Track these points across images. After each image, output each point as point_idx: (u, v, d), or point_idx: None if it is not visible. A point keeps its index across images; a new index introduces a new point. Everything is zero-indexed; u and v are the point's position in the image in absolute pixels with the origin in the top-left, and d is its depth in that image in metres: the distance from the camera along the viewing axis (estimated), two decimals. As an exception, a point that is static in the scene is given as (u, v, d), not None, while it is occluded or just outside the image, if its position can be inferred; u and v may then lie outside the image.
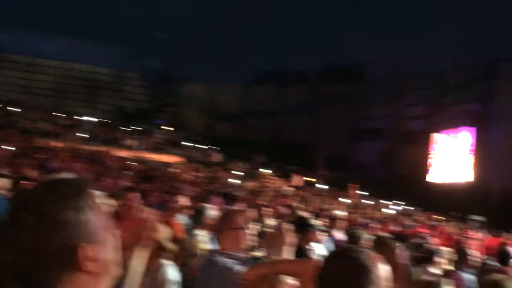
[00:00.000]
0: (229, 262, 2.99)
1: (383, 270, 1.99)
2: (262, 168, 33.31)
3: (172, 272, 3.56)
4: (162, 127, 43.67)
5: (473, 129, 32.48)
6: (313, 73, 50.43)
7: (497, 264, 6.29)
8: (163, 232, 3.68)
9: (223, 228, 3.22)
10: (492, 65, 31.74)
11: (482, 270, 5.44)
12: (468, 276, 5.67)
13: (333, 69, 48.83)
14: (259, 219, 8.60)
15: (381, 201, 25.68)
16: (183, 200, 7.59)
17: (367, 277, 1.93)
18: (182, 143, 37.02)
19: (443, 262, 6.65)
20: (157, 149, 31.85)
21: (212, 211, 5.40)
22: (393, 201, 25.95)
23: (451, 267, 6.43)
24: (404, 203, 26.61)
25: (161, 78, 51.46)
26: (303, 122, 46.85)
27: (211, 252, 3.36)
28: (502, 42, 33.08)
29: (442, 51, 39.78)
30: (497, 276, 2.58)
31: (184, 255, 4.32)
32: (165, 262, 3.60)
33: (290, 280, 2.67)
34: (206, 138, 40.92)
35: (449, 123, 34.26)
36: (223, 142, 39.92)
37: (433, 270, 5.92)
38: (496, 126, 29.69)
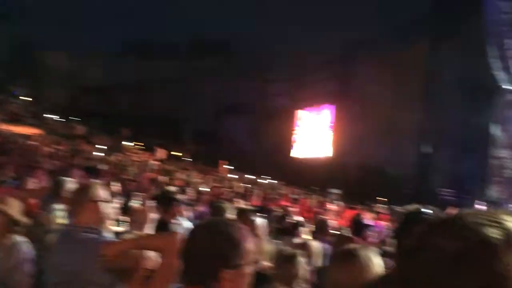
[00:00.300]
0: (87, 237, 2.85)
1: (251, 243, 1.99)
2: (128, 141, 32.60)
3: (26, 249, 3.36)
4: (20, 97, 41.06)
5: (333, 107, 34.02)
6: (182, 46, 49.95)
7: (351, 234, 6.65)
8: (16, 207, 3.45)
9: (82, 201, 3.04)
10: (351, 46, 33.30)
11: (337, 240, 5.71)
12: (325, 246, 5.94)
13: (202, 43, 48.67)
14: (123, 194, 8.41)
15: (246, 175, 26.18)
16: (44, 180, 7.22)
17: (236, 250, 1.92)
18: (42, 114, 35.15)
19: (304, 234, 6.93)
20: (14, 120, 29.93)
21: (71, 184, 5.15)
22: (259, 175, 26.56)
23: (311, 238, 6.71)
24: (269, 177, 27.35)
25: (19, 44, 48.18)
26: (171, 95, 46.37)
27: (68, 226, 3.18)
28: (361, 25, 34.78)
29: (305, 31, 41.03)
30: (351, 246, 2.70)
31: (39, 230, 4.10)
32: (19, 238, 3.39)
33: (153, 255, 2.61)
34: (69, 110, 39.18)
35: (312, 100, 35.54)
36: (86, 114, 38.46)
37: (295, 241, 6.14)
38: (354, 104, 31.29)
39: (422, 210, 2.45)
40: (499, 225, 1.05)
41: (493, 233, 1.03)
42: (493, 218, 1.07)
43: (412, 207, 2.50)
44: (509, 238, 1.03)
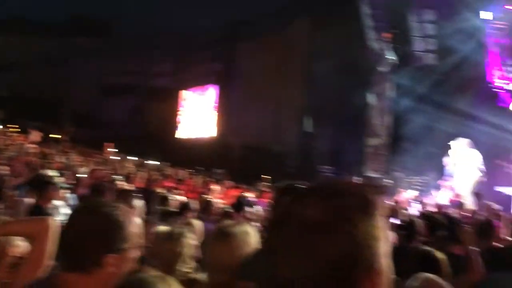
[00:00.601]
0: None
1: (135, 225, 1.93)
2: (0, 124, 30.81)
3: None
4: None
5: (217, 87, 34.15)
6: (61, 24, 47.66)
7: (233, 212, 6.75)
8: None
9: None
10: (234, 26, 33.48)
11: (221, 219, 5.77)
12: (209, 225, 5.98)
13: (81, 22, 46.77)
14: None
15: (131, 157, 25.69)
16: None
17: (120, 233, 1.86)
18: None
19: (190, 214, 6.95)
20: None
21: None
22: (143, 156, 26.17)
23: (195, 218, 6.72)
24: (154, 158, 27.03)
25: None
26: (49, 75, 44.24)
27: None
28: (244, 4, 35.02)
29: (188, 10, 40.70)
30: (228, 223, 2.73)
31: None
32: None
33: (21, 241, 2.48)
34: None
35: (196, 80, 35.44)
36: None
37: (180, 222, 6.13)
38: (237, 84, 31.58)
39: (296, 184, 2.52)
40: (358, 194, 1.09)
41: (344, 201, 1.07)
42: (329, 187, 1.10)
43: (287, 182, 2.56)
44: (365, 206, 1.07)
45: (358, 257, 1.03)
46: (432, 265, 3.52)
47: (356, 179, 14.55)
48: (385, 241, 1.08)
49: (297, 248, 1.04)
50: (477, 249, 4.75)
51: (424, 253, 3.73)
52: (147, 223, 5.22)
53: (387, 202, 10.71)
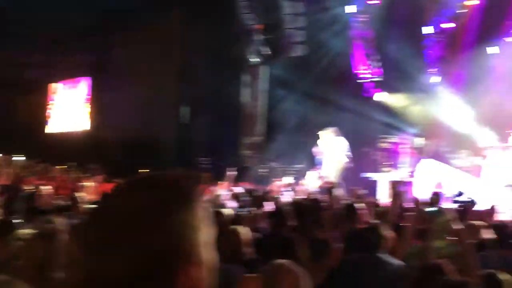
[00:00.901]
0: None
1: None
2: None
3: None
4: None
5: (89, 79, 33.05)
6: None
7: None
8: None
9: None
10: (108, 16, 32.45)
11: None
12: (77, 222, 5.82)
13: None
14: None
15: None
16: None
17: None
18: None
19: (61, 211, 6.68)
20: None
21: None
22: (10, 153, 24.80)
23: (65, 216, 6.49)
24: (22, 154, 25.74)
25: None
26: None
27: None
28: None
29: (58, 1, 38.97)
30: (85, 218, 2.69)
31: None
32: None
33: None
34: None
35: (67, 73, 34.08)
36: None
37: (50, 220, 5.88)
38: (112, 75, 30.67)
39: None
40: (174, 185, 1.11)
41: (160, 193, 1.07)
42: (145, 180, 1.11)
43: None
44: (183, 197, 1.09)
45: (175, 249, 1.02)
46: (290, 250, 3.68)
47: (232, 169, 14.75)
48: (205, 231, 1.07)
49: (111, 245, 1.01)
50: (337, 232, 5.02)
51: (284, 239, 3.88)
52: (11, 223, 4.99)
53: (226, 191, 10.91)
